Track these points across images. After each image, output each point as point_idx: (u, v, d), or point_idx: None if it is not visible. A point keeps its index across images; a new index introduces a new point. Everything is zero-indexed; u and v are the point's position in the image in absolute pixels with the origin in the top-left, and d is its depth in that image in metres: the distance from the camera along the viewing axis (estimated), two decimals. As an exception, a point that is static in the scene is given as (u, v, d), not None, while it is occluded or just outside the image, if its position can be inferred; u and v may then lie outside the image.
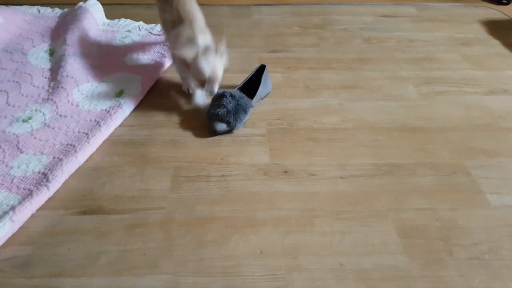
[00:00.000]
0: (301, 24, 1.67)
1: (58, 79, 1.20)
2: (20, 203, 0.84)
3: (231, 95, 1.08)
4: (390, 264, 0.77)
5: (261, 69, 1.21)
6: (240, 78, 1.26)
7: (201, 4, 1.81)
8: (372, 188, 0.92)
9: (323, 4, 1.86)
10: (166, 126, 1.10)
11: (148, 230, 0.82)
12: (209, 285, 0.73)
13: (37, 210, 0.85)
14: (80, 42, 1.38)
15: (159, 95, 1.22)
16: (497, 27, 1.66)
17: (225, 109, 1.05)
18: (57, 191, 0.90)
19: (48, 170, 0.92)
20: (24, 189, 0.88)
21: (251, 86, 1.19)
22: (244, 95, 1.10)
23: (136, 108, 1.16)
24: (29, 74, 1.25)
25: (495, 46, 1.53)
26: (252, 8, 1.79)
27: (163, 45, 1.42)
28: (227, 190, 0.92)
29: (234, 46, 1.49)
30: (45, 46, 1.41)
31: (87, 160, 0.98)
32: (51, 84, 1.21)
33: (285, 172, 0.96)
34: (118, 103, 1.14)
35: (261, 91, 1.16)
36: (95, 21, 1.55)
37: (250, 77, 1.19)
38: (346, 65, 1.38)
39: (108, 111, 1.11)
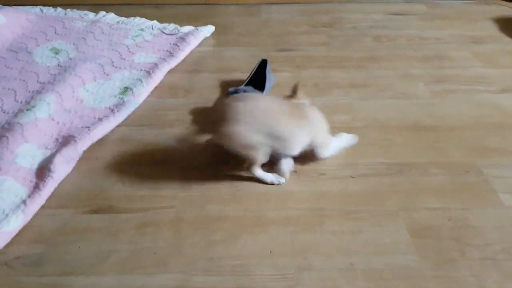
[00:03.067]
0: (310, 23, 1.66)
1: (66, 76, 1.23)
2: (29, 196, 0.86)
3: (245, 92, 1.08)
4: (401, 264, 0.76)
5: (262, 64, 1.23)
6: (247, 76, 1.26)
7: (210, 4, 1.83)
8: (382, 187, 0.91)
9: (332, 2, 1.85)
10: (176, 125, 1.10)
11: (158, 229, 0.82)
12: (219, 284, 0.73)
13: (48, 209, 0.86)
14: (91, 48, 1.42)
15: (168, 95, 1.22)
16: (509, 24, 1.63)
17: None
18: (68, 190, 0.91)
19: (52, 164, 0.93)
20: (31, 182, 0.90)
21: (254, 81, 1.20)
22: (256, 90, 1.10)
23: (146, 108, 1.16)
24: (35, 72, 1.28)
25: (508, 43, 1.50)
26: (262, 7, 1.79)
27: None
28: (237, 189, 0.91)
29: (243, 45, 1.49)
30: (49, 45, 1.44)
31: (97, 159, 0.99)
32: (57, 78, 1.23)
33: (295, 171, 0.95)
34: (122, 101, 1.16)
35: (268, 85, 1.17)
36: (109, 24, 1.58)
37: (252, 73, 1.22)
38: (356, 64, 1.37)
39: (112, 109, 1.13)
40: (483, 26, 1.63)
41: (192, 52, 1.45)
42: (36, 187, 0.88)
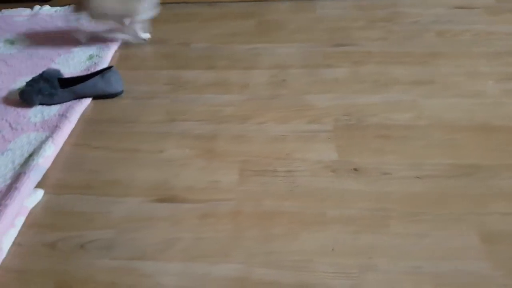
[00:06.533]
0: (367, 18, 1.61)
1: (34, 60, 1.39)
2: (52, 133, 1.05)
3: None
4: (471, 270, 0.72)
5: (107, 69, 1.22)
6: (302, 72, 1.25)
7: (261, 1, 1.83)
8: (450, 190, 0.87)
9: (390, -4, 1.78)
10: (231, 121, 1.12)
11: (219, 220, 0.84)
12: (280, 277, 0.73)
13: (115, 197, 0.91)
14: (41, 33, 1.57)
15: (224, 91, 1.25)
16: None
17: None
18: (135, 180, 0.95)
19: (64, 110, 1.14)
20: (49, 126, 1.08)
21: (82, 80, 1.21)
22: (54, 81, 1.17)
23: (201, 104, 1.19)
24: (1, 60, 1.41)
25: None
26: (316, 3, 1.77)
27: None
28: (294, 185, 0.91)
29: (297, 41, 1.48)
30: (1, 38, 1.56)
31: (161, 152, 1.03)
32: (27, 64, 1.38)
33: (355, 169, 0.93)
34: (94, 63, 1.35)
35: (85, 87, 1.18)
36: (48, 14, 1.72)
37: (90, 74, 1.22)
38: (418, 60, 1.31)
39: (89, 69, 1.32)
40: (560, 19, 1.50)
41: (244, 49, 1.46)
42: (57, 127, 1.07)
